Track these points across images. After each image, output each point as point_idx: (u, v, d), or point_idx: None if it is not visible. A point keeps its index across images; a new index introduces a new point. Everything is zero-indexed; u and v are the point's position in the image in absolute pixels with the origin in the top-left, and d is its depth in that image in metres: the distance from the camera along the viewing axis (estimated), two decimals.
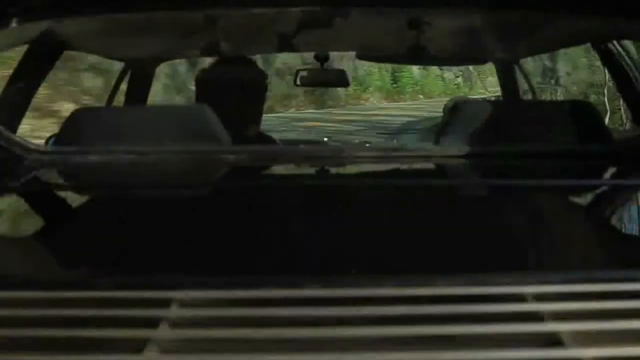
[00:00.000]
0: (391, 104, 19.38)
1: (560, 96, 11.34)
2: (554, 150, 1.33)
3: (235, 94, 1.93)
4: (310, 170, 1.37)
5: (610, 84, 7.60)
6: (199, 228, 0.91)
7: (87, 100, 9.48)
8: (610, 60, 1.74)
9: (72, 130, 1.43)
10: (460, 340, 0.53)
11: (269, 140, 2.13)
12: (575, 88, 11.71)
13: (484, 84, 18.28)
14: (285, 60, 10.61)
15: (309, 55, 2.75)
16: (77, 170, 1.34)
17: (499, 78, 2.81)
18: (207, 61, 2.36)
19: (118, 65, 2.76)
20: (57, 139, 1.51)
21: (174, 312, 0.57)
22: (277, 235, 0.88)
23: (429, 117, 10.74)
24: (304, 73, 2.85)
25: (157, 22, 1.80)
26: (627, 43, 1.70)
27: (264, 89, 2.13)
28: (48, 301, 0.60)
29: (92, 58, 6.59)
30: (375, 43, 2.44)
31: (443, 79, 22.21)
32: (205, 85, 2.02)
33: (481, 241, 0.84)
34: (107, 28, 1.79)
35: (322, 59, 2.64)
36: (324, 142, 2.56)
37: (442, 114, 1.86)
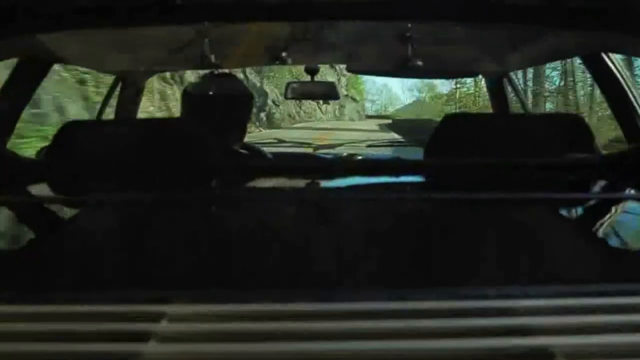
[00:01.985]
0: None
1: None
2: (543, 162, 1.33)
3: (220, 109, 1.96)
4: (300, 182, 1.37)
5: None
6: (190, 241, 0.91)
7: None
8: (599, 74, 1.75)
9: (63, 143, 1.43)
10: (451, 354, 0.53)
11: (254, 151, 2.15)
12: None
13: None
14: None
15: None
16: (68, 183, 1.33)
17: (489, 91, 2.82)
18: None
19: None
20: (48, 151, 1.51)
21: (164, 326, 0.57)
22: (269, 248, 0.88)
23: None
24: (294, 85, 2.85)
25: (148, 35, 1.80)
26: (617, 57, 1.72)
27: (248, 104, 2.16)
28: (37, 315, 0.59)
29: None
30: (365, 56, 2.45)
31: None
32: (191, 100, 2.05)
33: (472, 255, 0.84)
34: (97, 41, 1.79)
35: (312, 71, 2.65)
36: (314, 154, 2.55)
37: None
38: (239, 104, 2.10)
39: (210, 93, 2.03)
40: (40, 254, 0.88)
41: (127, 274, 0.78)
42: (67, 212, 1.22)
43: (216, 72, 2.13)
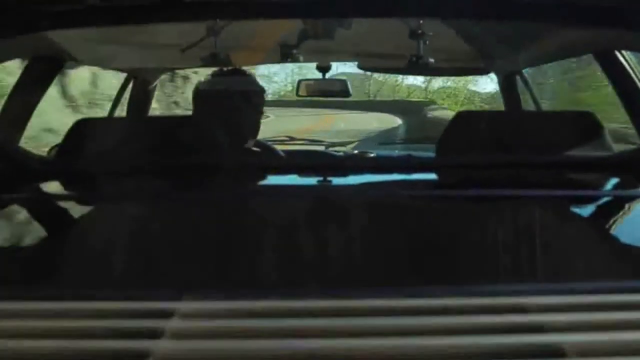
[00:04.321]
0: None
1: None
2: (555, 160, 1.33)
3: (232, 106, 1.95)
4: (312, 180, 1.37)
5: None
6: (202, 239, 0.91)
7: None
8: (611, 71, 1.74)
9: (74, 140, 1.43)
10: (462, 351, 0.53)
11: (267, 149, 2.15)
12: None
13: None
14: None
15: None
16: (80, 180, 1.34)
17: (501, 88, 2.81)
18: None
19: None
20: (60, 149, 1.51)
21: (175, 323, 0.57)
22: (280, 246, 0.88)
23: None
24: (306, 83, 2.85)
25: (159, 33, 1.81)
26: (629, 54, 1.71)
27: (261, 100, 2.15)
28: (49, 312, 0.60)
29: None
30: (376, 54, 2.45)
31: None
32: (203, 97, 2.04)
33: (482, 252, 0.84)
34: (109, 39, 1.80)
35: (324, 69, 2.65)
36: (326, 152, 2.56)
37: None
38: (252, 100, 2.09)
39: (223, 90, 2.02)
40: (52, 251, 0.89)
41: (139, 271, 0.78)
42: (79, 210, 1.22)
43: (226, 69, 2.12)
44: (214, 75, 2.16)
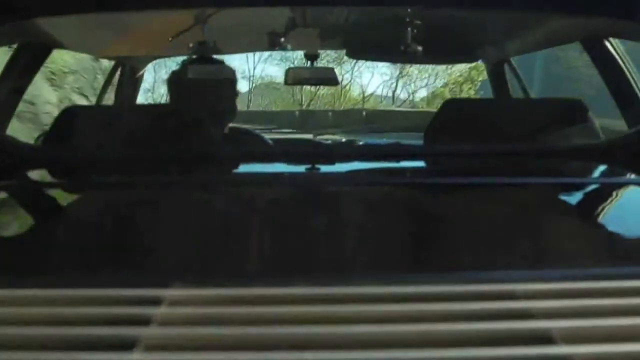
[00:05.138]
0: None
1: None
2: (543, 148, 1.33)
3: (207, 93, 1.97)
4: (299, 168, 1.37)
5: None
6: (190, 226, 0.91)
7: None
8: (599, 59, 1.75)
9: (62, 128, 1.43)
10: (451, 338, 0.53)
11: (245, 133, 2.17)
12: None
13: None
14: None
15: None
16: (67, 168, 1.33)
17: (490, 76, 2.81)
18: None
19: None
20: (47, 137, 1.51)
21: (164, 310, 0.57)
22: (268, 233, 0.88)
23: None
24: (294, 71, 2.84)
25: (147, 20, 1.80)
26: (617, 42, 1.71)
27: (234, 86, 2.17)
28: (37, 300, 0.59)
29: None
30: (365, 42, 2.45)
31: None
32: (178, 86, 2.05)
33: (471, 239, 0.85)
34: (96, 26, 1.79)
35: (312, 57, 2.65)
36: (315, 140, 2.56)
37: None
38: (226, 86, 2.11)
39: (197, 78, 2.03)
40: (40, 238, 0.88)
41: (127, 258, 0.78)
42: (66, 197, 1.22)
43: (195, 57, 2.12)
44: (187, 63, 2.17)
